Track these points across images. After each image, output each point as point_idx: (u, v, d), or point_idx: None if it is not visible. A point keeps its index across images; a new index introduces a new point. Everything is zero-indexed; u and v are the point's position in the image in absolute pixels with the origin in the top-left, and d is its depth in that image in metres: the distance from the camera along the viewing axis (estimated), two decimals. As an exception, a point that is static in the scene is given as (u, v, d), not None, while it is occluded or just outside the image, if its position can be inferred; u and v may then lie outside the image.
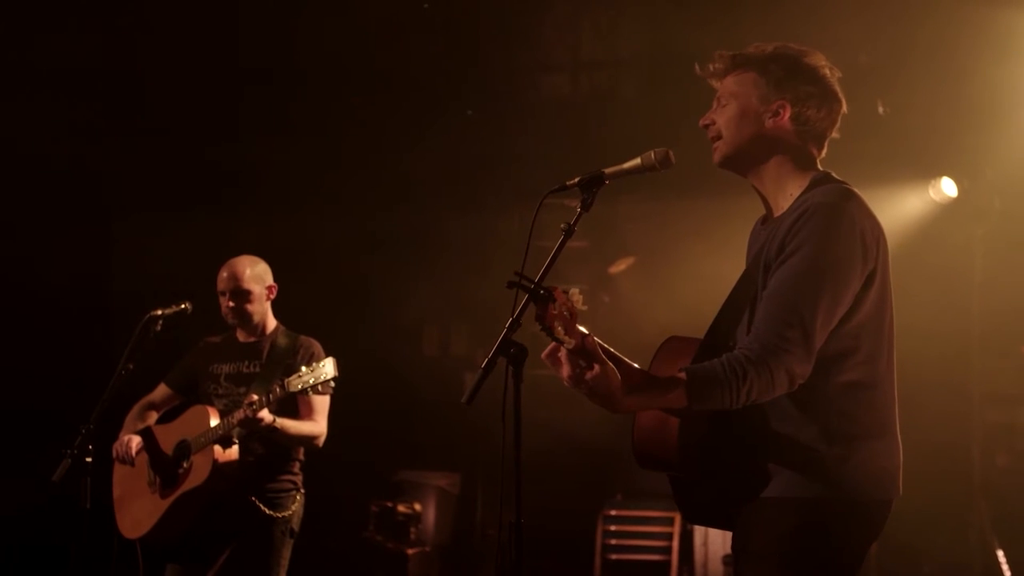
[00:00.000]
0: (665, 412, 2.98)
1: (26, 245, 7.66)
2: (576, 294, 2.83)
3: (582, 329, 2.81)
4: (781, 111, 3.10)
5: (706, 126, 3.20)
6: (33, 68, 7.41)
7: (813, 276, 2.89)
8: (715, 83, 3.22)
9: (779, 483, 2.95)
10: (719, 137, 3.16)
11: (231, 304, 5.13)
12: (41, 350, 7.62)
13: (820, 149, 3.17)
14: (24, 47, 7.33)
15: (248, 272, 5.14)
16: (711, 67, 3.21)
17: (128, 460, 5.11)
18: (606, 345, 2.92)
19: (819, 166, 3.16)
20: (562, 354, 2.83)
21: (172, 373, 5.37)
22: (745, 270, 3.18)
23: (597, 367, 2.79)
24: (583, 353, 2.79)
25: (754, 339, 2.89)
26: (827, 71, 3.15)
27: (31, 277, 7.65)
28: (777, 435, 2.97)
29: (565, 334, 2.77)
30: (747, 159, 3.16)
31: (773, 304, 2.90)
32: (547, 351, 2.87)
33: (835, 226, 2.92)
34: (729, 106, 3.15)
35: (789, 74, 3.11)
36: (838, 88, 3.16)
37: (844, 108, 3.17)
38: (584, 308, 2.83)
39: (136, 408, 5.31)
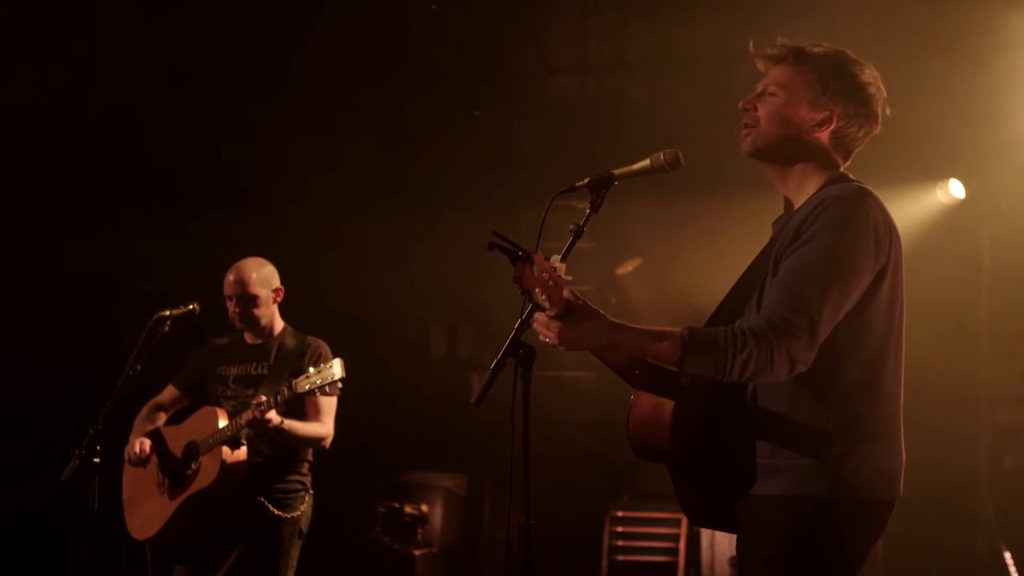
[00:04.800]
0: (658, 396, 2.97)
1: (33, 246, 7.67)
2: (556, 261, 2.82)
3: (568, 296, 2.80)
4: (827, 123, 3.09)
5: (744, 109, 3.15)
6: (35, 67, 7.43)
7: (824, 266, 2.88)
8: (762, 65, 3.18)
9: (779, 481, 2.94)
10: (755, 125, 3.12)
11: (238, 309, 5.11)
12: (49, 352, 7.62)
13: (845, 160, 3.16)
14: (25, 48, 7.35)
15: (255, 276, 5.12)
16: (768, 50, 3.17)
17: (141, 462, 5.11)
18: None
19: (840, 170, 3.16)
20: (547, 321, 2.84)
21: (180, 374, 5.37)
22: (753, 262, 3.17)
23: (592, 321, 2.82)
24: (573, 314, 2.81)
25: (760, 317, 2.88)
26: (878, 93, 3.13)
27: (38, 278, 7.65)
28: (777, 430, 2.95)
29: (547, 300, 2.77)
30: (777, 156, 3.14)
31: (782, 290, 2.89)
32: (536, 318, 2.88)
33: (849, 219, 2.92)
34: (776, 98, 3.11)
35: (845, 90, 3.08)
36: (880, 111, 3.14)
37: (879, 130, 3.15)
38: (569, 279, 2.81)
39: (145, 410, 5.31)
